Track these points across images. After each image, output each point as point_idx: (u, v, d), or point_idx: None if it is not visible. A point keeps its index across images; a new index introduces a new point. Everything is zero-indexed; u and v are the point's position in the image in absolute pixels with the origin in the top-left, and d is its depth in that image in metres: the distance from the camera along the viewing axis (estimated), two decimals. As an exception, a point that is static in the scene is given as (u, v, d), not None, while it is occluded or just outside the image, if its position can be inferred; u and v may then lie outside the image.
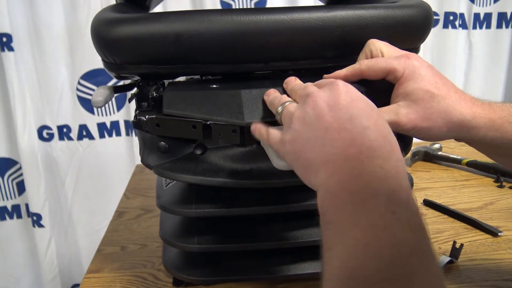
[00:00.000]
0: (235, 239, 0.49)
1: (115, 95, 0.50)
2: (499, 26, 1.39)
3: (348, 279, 0.25)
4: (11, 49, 1.12)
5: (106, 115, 1.26)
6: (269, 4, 1.26)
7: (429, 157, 0.93)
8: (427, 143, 0.96)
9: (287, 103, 0.37)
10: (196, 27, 0.41)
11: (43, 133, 1.24)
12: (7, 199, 1.27)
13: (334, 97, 0.32)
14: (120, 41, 0.42)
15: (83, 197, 1.31)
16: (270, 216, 0.51)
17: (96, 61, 1.18)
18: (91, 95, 1.22)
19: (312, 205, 0.47)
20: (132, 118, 0.47)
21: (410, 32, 0.47)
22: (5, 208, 1.28)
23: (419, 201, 0.74)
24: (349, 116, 0.31)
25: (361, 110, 0.31)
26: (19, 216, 1.29)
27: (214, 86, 0.45)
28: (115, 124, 1.28)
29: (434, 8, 1.31)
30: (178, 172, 0.45)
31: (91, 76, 1.21)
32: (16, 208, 1.29)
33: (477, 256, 0.57)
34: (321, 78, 0.42)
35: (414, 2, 0.47)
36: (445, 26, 1.35)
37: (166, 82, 0.49)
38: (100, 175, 1.30)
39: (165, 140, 0.46)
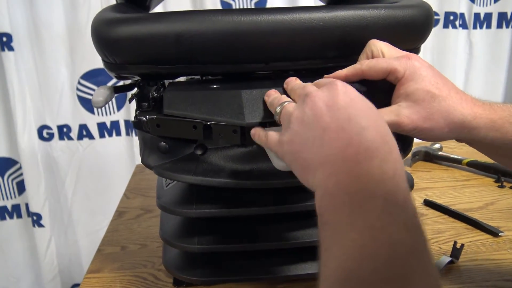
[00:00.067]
0: (235, 239, 0.49)
1: (115, 95, 0.50)
2: (499, 26, 1.39)
3: (344, 280, 0.25)
4: (11, 48, 1.12)
5: (106, 115, 1.26)
6: (269, 4, 1.26)
7: (430, 157, 0.93)
8: (427, 143, 0.96)
9: (285, 103, 0.37)
10: (196, 27, 0.41)
11: (43, 133, 1.24)
12: (7, 198, 1.27)
13: (333, 97, 0.32)
14: (120, 41, 0.42)
15: (83, 197, 1.31)
16: (270, 216, 0.51)
17: (96, 61, 1.18)
18: (91, 95, 1.22)
19: (312, 205, 0.46)
20: (132, 118, 0.47)
21: (410, 32, 0.47)
22: (5, 208, 1.28)
23: (420, 201, 0.74)
24: (347, 116, 0.30)
25: (360, 110, 0.31)
26: (19, 216, 1.30)
27: (215, 86, 0.45)
28: (115, 124, 1.28)
29: (434, 8, 1.31)
30: (179, 172, 0.45)
31: (91, 76, 1.21)
32: (16, 208, 1.29)
33: (477, 256, 0.57)
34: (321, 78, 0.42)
35: (415, 2, 0.47)
36: (445, 26, 1.35)
37: (167, 82, 0.49)
38: (100, 175, 1.29)
39: (165, 141, 0.46)
